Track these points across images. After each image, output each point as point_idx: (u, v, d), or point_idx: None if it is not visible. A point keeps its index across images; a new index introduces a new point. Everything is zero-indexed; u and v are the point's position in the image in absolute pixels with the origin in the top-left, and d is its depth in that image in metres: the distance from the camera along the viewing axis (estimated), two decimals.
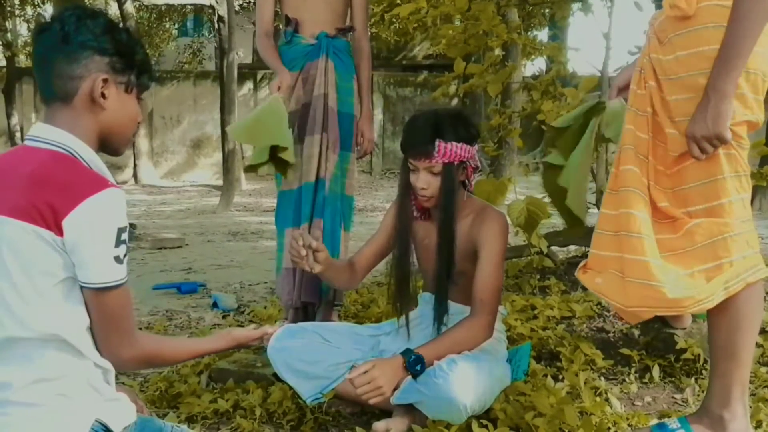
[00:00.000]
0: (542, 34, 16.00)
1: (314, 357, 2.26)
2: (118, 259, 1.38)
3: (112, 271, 1.37)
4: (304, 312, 2.90)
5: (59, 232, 1.33)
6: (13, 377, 1.36)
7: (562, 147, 2.27)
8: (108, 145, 1.53)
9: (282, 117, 2.64)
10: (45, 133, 1.44)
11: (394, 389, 2.09)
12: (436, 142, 2.15)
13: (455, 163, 2.19)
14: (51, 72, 1.44)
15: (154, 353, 1.52)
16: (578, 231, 2.41)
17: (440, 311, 2.25)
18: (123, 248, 1.39)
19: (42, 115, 1.48)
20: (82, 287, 1.38)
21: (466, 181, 2.28)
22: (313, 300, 2.86)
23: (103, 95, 1.46)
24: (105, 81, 1.45)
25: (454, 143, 2.17)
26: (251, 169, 2.71)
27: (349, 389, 2.20)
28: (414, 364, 2.04)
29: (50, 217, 1.33)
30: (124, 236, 1.40)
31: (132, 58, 1.51)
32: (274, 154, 2.64)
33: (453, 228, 2.24)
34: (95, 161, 1.46)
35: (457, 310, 2.31)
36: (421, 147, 2.18)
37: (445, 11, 3.39)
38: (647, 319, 1.94)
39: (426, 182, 2.21)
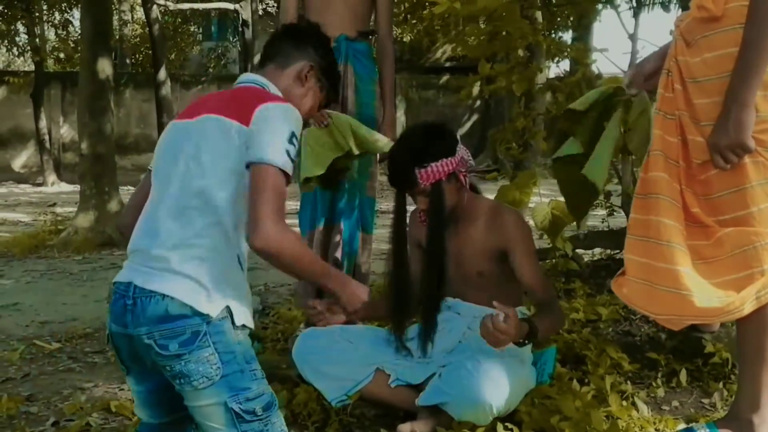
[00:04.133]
0: (567, 36, 15.90)
1: (339, 359, 2.26)
2: (287, 152, 1.63)
3: (279, 155, 1.61)
4: None
5: (246, 122, 1.64)
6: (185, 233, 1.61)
7: (580, 135, 2.24)
8: None
9: (344, 129, 2.66)
10: (251, 78, 1.86)
11: (419, 390, 2.11)
12: (416, 171, 2.19)
13: (443, 179, 2.21)
14: (281, 47, 1.93)
15: (291, 245, 1.60)
16: (579, 216, 2.57)
17: (427, 330, 2.26)
18: (292, 148, 1.65)
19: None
20: (249, 166, 1.62)
21: (463, 185, 2.29)
22: None
23: (306, 77, 1.90)
24: (311, 68, 1.91)
25: (433, 164, 2.19)
26: (307, 182, 2.70)
27: (374, 391, 2.21)
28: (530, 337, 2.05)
29: (243, 113, 1.65)
30: (294, 141, 1.66)
31: (331, 73, 1.98)
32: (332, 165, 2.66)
33: (442, 246, 2.26)
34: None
35: (479, 312, 2.30)
36: (405, 180, 2.23)
37: (475, 10, 3.35)
38: (681, 328, 1.92)
39: (425, 203, 2.25)
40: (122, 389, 2.72)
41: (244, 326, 1.65)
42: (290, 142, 1.65)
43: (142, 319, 1.58)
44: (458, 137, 2.31)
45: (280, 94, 1.83)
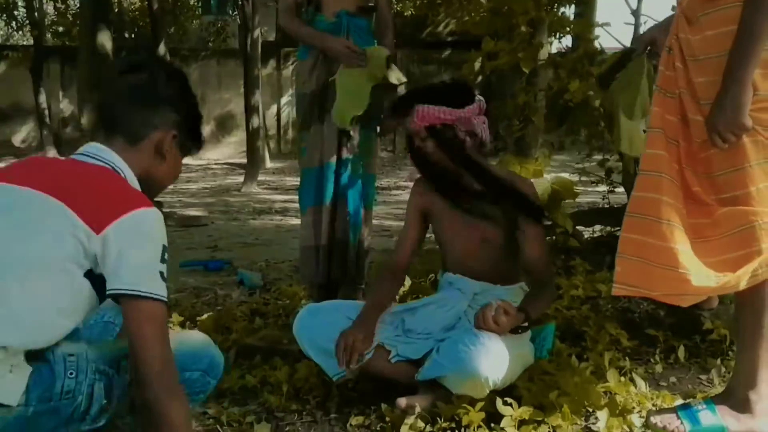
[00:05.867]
0: (569, 11, 15.76)
1: (339, 335, 2.27)
2: (162, 275, 1.35)
3: (157, 283, 1.33)
4: (326, 290, 2.92)
5: (98, 227, 1.31)
6: None
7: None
8: (145, 190, 1.50)
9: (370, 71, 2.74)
10: (100, 152, 1.47)
11: (419, 365, 2.14)
12: (415, 107, 2.22)
13: (437, 126, 2.21)
14: (128, 112, 1.50)
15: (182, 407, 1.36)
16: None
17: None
18: (165, 267, 1.36)
19: (99, 138, 1.53)
20: (119, 296, 1.31)
21: (462, 143, 2.25)
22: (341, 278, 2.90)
23: (168, 149, 1.53)
24: (174, 137, 1.53)
25: (432, 106, 2.20)
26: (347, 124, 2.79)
27: (375, 367, 2.23)
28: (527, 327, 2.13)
29: (94, 211, 1.32)
30: (166, 256, 1.37)
31: (198, 125, 1.61)
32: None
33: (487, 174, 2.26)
34: (137, 186, 1.49)
35: (480, 288, 2.30)
36: (400, 112, 2.28)
37: None
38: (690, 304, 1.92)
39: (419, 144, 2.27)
40: None
41: None
42: (163, 260, 1.36)
43: None
44: (480, 101, 2.27)
45: (135, 180, 1.49)
